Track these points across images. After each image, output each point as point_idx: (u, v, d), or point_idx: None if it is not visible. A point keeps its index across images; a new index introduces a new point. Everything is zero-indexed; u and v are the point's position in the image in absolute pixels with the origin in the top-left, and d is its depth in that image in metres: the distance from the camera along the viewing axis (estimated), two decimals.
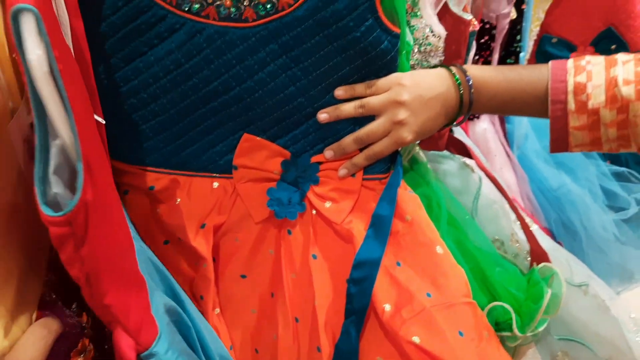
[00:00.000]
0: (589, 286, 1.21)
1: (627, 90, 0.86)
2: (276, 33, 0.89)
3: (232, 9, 0.88)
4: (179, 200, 0.98)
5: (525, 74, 0.96)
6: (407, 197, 1.01)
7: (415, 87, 0.95)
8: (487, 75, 0.98)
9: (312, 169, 0.98)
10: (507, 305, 1.02)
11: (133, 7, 0.87)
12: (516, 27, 1.74)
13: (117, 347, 0.72)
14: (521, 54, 1.81)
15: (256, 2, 0.88)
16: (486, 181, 1.34)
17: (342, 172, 0.97)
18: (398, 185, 0.98)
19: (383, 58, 0.94)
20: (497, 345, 0.99)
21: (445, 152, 1.41)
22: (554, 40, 2.00)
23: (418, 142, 1.20)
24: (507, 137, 1.89)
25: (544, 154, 1.89)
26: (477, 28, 1.30)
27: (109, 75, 0.91)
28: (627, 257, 1.80)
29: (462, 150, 1.40)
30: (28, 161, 0.76)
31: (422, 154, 1.28)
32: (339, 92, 0.94)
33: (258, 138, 0.97)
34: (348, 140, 0.96)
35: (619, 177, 1.93)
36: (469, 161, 1.34)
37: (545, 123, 1.93)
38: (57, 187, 0.67)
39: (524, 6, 1.71)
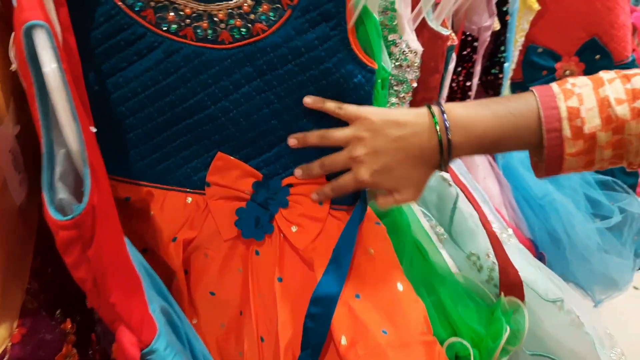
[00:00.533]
0: (564, 302, 1.21)
1: (622, 110, 0.83)
2: (251, 57, 0.90)
3: (209, 31, 0.88)
4: (152, 212, 0.98)
5: (513, 107, 0.88)
6: (373, 230, 1.01)
7: (383, 125, 0.90)
8: (473, 113, 0.90)
9: (282, 192, 0.98)
10: (465, 342, 1.02)
11: (114, 23, 0.88)
12: (500, 37, 1.74)
13: (121, 344, 0.74)
14: (505, 64, 1.82)
15: (232, 25, 0.88)
16: (463, 195, 1.35)
17: (314, 196, 0.97)
18: (360, 220, 0.98)
19: (356, 92, 0.93)
20: None
21: None
22: (540, 50, 2.03)
23: None
24: None
25: (529, 162, 1.90)
26: (456, 42, 1.31)
27: (90, 88, 0.90)
28: (610, 266, 1.82)
29: None
30: (12, 171, 0.78)
31: None
32: (308, 100, 0.91)
33: (231, 157, 0.96)
34: (315, 165, 0.95)
35: (603, 185, 1.95)
36: (446, 175, 1.35)
37: None
38: (62, 193, 0.70)
39: (507, 17, 1.71)
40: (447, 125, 0.89)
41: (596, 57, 1.96)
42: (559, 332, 1.18)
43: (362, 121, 0.90)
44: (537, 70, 2.08)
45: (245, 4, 0.87)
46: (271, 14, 0.87)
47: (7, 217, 0.78)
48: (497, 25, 1.64)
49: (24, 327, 0.75)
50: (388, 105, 1.19)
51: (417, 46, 1.17)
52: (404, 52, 1.15)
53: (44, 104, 0.66)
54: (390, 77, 1.18)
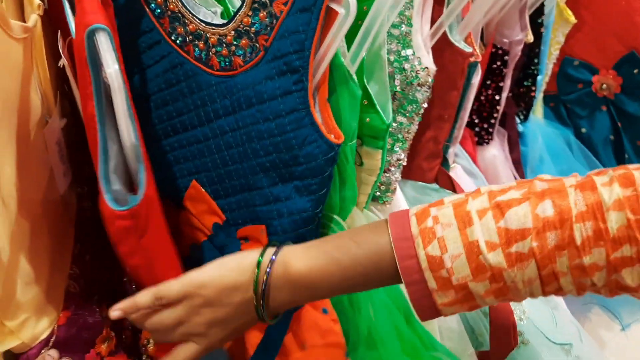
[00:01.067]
0: (572, 346, 1.15)
1: (495, 258, 0.65)
2: (230, 89, 0.86)
3: (203, 53, 0.87)
4: None
5: (362, 256, 0.73)
6: (314, 321, 0.95)
7: (210, 292, 0.75)
8: (312, 268, 0.74)
9: (235, 244, 0.92)
10: None
11: (141, 24, 0.91)
12: (534, 50, 1.70)
13: None
14: (538, 77, 1.79)
15: (219, 53, 0.85)
16: None
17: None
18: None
19: (307, 161, 0.85)
20: None
21: (434, 185, 1.37)
22: (576, 63, 1.98)
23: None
24: (522, 160, 1.85)
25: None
26: (480, 58, 1.24)
27: None
28: None
29: (452, 184, 1.36)
30: (58, 162, 0.84)
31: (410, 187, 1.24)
32: (114, 313, 0.76)
33: (202, 190, 0.95)
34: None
35: None
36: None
37: (561, 147, 1.89)
38: (116, 185, 0.77)
39: (542, 30, 1.67)
40: (264, 289, 0.74)
41: (634, 71, 1.89)
42: None
43: (190, 299, 0.76)
44: (572, 83, 2.02)
45: (229, 34, 0.83)
46: (248, 50, 0.83)
47: (53, 205, 0.85)
48: (530, 38, 1.59)
49: (68, 310, 0.80)
50: (395, 125, 1.13)
51: (430, 64, 1.10)
52: (416, 70, 1.09)
53: (100, 103, 0.73)
54: (398, 94, 1.11)
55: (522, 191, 0.66)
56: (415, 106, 1.12)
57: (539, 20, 1.65)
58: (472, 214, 0.67)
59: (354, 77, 0.90)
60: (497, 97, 1.59)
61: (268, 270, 0.74)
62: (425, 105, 1.13)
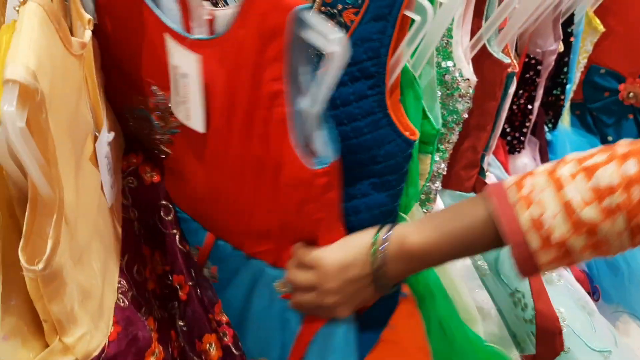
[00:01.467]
0: (612, 353, 1.16)
1: (589, 213, 0.73)
2: None
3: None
4: None
5: (469, 223, 0.83)
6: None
7: (336, 269, 0.88)
8: (424, 241, 0.85)
9: None
10: None
11: None
12: (563, 59, 1.70)
13: None
14: (567, 86, 1.79)
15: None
16: None
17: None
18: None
19: (386, 160, 0.91)
20: None
21: (472, 194, 1.38)
22: (602, 71, 2.00)
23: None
24: None
25: None
26: (517, 69, 1.26)
27: None
28: None
29: None
30: (107, 175, 0.85)
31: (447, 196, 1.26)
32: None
33: None
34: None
35: None
36: None
37: None
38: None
39: (572, 39, 1.67)
40: (383, 255, 0.86)
41: None
42: None
43: (321, 270, 0.88)
44: (599, 91, 2.04)
45: None
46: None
47: (103, 218, 0.85)
48: (560, 47, 1.59)
49: (118, 325, 0.78)
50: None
51: (470, 76, 1.12)
52: (457, 81, 1.11)
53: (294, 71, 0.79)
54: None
55: (606, 154, 0.75)
56: (455, 117, 1.14)
57: (569, 30, 1.65)
58: (563, 178, 0.75)
59: (418, 80, 0.95)
60: (529, 107, 1.60)
61: (382, 247, 0.85)
62: (466, 115, 1.15)
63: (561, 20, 1.56)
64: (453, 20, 1.08)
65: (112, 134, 0.87)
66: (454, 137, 1.17)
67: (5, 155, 0.56)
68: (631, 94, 1.97)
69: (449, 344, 1.06)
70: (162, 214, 0.96)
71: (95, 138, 0.81)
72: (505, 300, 1.21)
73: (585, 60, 1.90)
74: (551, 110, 1.84)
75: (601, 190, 0.73)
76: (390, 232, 0.86)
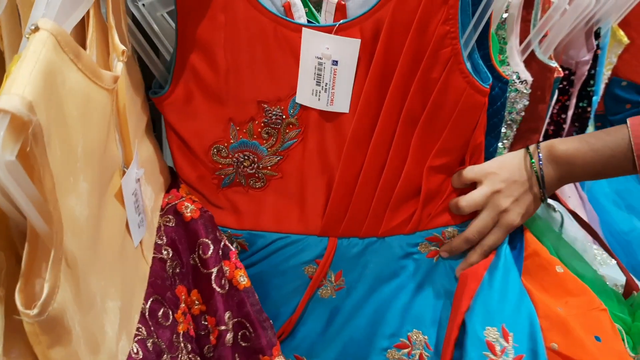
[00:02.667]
0: None
1: None
2: None
3: None
4: None
5: (609, 140, 0.97)
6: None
7: (505, 172, 1.01)
8: (572, 148, 0.99)
9: None
10: (618, 326, 1.04)
11: None
12: (590, 71, 1.74)
13: None
14: (594, 98, 1.81)
15: None
16: (568, 218, 1.35)
17: (444, 254, 1.04)
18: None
19: (493, 103, 1.01)
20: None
21: None
22: (624, 83, 2.02)
23: None
24: None
25: (613, 196, 1.89)
26: (562, 74, 1.33)
27: None
28: None
29: None
30: (134, 213, 0.82)
31: None
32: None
33: None
34: (458, 241, 1.03)
35: None
36: (551, 201, 1.36)
37: None
38: None
39: (598, 51, 1.72)
40: (541, 164, 0.99)
41: None
42: None
43: (492, 176, 1.00)
44: (620, 103, 2.06)
45: None
46: None
47: (127, 258, 0.81)
48: None
49: None
50: None
51: (527, 76, 1.21)
52: (514, 83, 1.18)
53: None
54: None
55: None
56: (514, 115, 1.22)
57: (596, 42, 1.69)
58: None
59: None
60: (562, 116, 1.66)
61: (537, 152, 1.00)
62: (524, 113, 1.22)
63: None
64: (506, 26, 1.16)
65: (142, 170, 0.85)
66: (512, 134, 1.25)
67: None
68: None
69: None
70: (200, 252, 0.96)
71: (123, 174, 0.78)
72: None
73: (610, 72, 1.94)
74: (577, 122, 1.86)
75: None
76: (539, 144, 0.99)
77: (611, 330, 0.99)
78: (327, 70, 0.93)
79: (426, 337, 1.03)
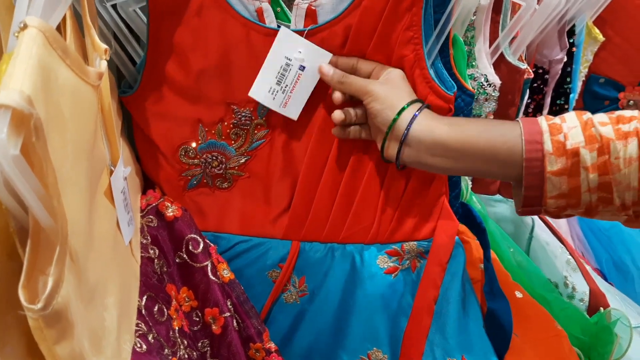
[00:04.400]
0: None
1: (606, 130, 0.79)
2: None
3: None
4: None
5: (495, 123, 0.94)
6: (477, 246, 1.06)
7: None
8: (452, 121, 0.92)
9: None
10: (577, 350, 1.04)
11: None
12: (566, 69, 1.74)
13: None
14: (571, 95, 1.81)
15: None
16: (539, 224, 1.36)
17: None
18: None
19: (456, 115, 0.99)
20: None
21: (498, 196, 1.44)
22: (602, 80, 2.02)
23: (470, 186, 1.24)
24: None
25: None
26: (532, 76, 1.33)
27: None
28: None
29: None
30: (123, 211, 0.82)
31: (476, 200, 1.31)
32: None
33: None
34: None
35: None
36: None
37: None
38: None
39: (574, 49, 1.72)
40: (408, 129, 0.90)
41: None
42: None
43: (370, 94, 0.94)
44: (599, 100, 2.06)
45: None
46: None
47: (120, 256, 0.81)
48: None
49: None
50: None
51: (495, 79, 1.20)
52: (483, 86, 1.18)
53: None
54: None
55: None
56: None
57: (571, 40, 1.68)
58: (588, 113, 0.83)
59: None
60: (538, 115, 1.66)
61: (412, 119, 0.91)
62: (492, 117, 1.22)
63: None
64: (474, 29, 1.16)
65: (128, 169, 0.86)
66: None
67: (1, 187, 0.49)
68: (631, 102, 1.99)
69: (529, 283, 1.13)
70: (190, 247, 0.96)
71: (111, 172, 0.78)
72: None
73: (587, 70, 1.95)
74: None
75: (620, 118, 0.80)
76: (421, 112, 0.91)
77: (568, 357, 0.99)
78: (291, 73, 0.94)
79: (386, 356, 1.03)
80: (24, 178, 0.47)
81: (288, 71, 0.94)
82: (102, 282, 0.71)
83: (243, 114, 0.96)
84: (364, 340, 1.03)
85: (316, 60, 0.93)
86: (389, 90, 0.92)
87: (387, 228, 1.03)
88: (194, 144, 0.98)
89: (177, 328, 0.91)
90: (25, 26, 0.53)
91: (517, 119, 0.88)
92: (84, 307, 0.62)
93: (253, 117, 0.97)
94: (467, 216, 1.09)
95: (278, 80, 0.94)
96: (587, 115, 0.83)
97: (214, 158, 0.99)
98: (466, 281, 1.03)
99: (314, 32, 0.93)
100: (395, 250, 1.03)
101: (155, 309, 0.88)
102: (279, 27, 0.94)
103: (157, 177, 1.02)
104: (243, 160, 1.00)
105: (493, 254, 1.08)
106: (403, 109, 0.90)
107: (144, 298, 0.86)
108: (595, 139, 0.79)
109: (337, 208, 1.01)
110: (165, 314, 0.90)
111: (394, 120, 0.91)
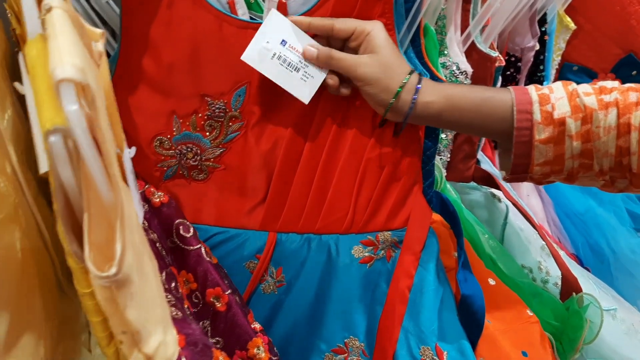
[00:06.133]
0: (617, 310, 1.24)
1: (590, 100, 0.85)
2: None
3: None
4: None
5: (489, 89, 0.95)
6: (451, 235, 1.07)
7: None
8: (450, 84, 0.96)
9: None
10: (549, 335, 1.06)
11: None
12: (539, 57, 1.76)
13: None
14: (544, 83, 1.83)
15: None
16: (513, 210, 1.38)
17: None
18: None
19: None
20: None
21: (472, 184, 1.45)
22: (575, 68, 2.05)
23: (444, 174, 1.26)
24: None
25: None
26: (504, 64, 1.34)
27: None
28: None
29: (489, 180, 1.42)
30: (135, 191, 0.82)
31: (451, 189, 1.33)
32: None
33: None
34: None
35: None
36: (496, 192, 1.38)
37: None
38: None
39: (546, 37, 1.74)
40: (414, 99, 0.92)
41: (633, 73, 1.98)
42: (615, 340, 1.20)
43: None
44: None
45: None
46: None
47: (141, 233, 0.82)
48: (536, 45, 1.67)
49: (181, 334, 0.76)
50: None
51: (467, 67, 1.21)
52: (455, 74, 1.20)
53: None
54: None
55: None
56: None
57: (542, 28, 1.70)
58: (573, 83, 0.88)
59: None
60: None
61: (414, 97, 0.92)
62: None
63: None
64: (445, 17, 1.18)
65: (134, 149, 0.83)
66: None
67: (64, 161, 0.49)
68: None
69: (500, 271, 1.14)
70: (181, 231, 0.96)
71: (118, 154, 0.77)
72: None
73: (560, 58, 1.97)
74: None
75: (602, 89, 0.86)
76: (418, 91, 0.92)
77: (540, 344, 1.01)
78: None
79: (362, 344, 1.04)
80: (90, 151, 0.48)
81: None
82: (142, 252, 0.71)
83: (217, 106, 0.96)
84: (341, 329, 1.04)
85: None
86: (380, 71, 0.91)
87: (361, 218, 1.03)
88: (168, 135, 0.98)
89: (186, 306, 0.91)
90: (50, 8, 0.54)
91: (509, 87, 0.92)
92: (139, 274, 0.63)
93: (227, 110, 0.97)
94: (441, 205, 1.10)
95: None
96: (573, 86, 0.88)
97: (189, 149, 0.99)
98: (440, 270, 1.04)
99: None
100: (370, 240, 1.04)
101: (173, 285, 0.89)
102: (252, 19, 0.94)
103: (135, 167, 1.02)
104: (218, 152, 1.00)
105: (466, 242, 1.10)
106: (398, 91, 0.92)
107: (163, 274, 0.88)
108: (579, 109, 0.85)
109: (312, 199, 1.02)
110: (180, 291, 0.91)
111: (390, 104, 0.92)
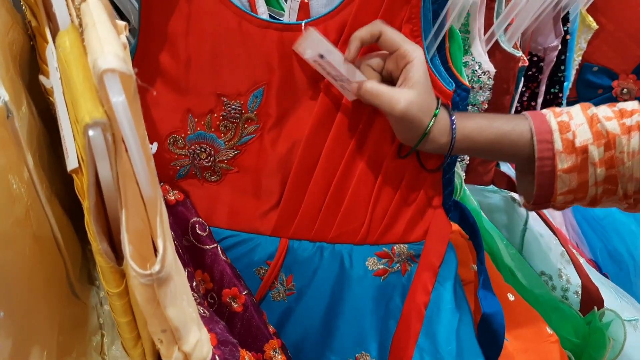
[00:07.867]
0: (639, 321, 1.21)
1: (611, 125, 0.83)
2: None
3: None
4: None
5: (509, 119, 0.91)
6: (470, 246, 1.04)
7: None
8: (473, 121, 0.92)
9: None
10: (569, 354, 1.03)
11: None
12: (560, 57, 1.73)
13: None
14: (565, 83, 1.80)
15: None
16: (533, 215, 1.35)
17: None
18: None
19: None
20: None
21: (491, 187, 1.42)
22: (595, 68, 2.01)
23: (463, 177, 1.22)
24: None
25: None
26: (527, 64, 1.32)
27: None
28: None
29: (509, 184, 1.40)
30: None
31: (470, 196, 1.30)
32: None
33: None
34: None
35: None
36: (516, 195, 1.35)
37: None
38: None
39: (568, 37, 1.71)
40: (454, 127, 0.90)
41: None
42: (636, 352, 1.17)
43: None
44: (593, 89, 2.05)
45: None
46: None
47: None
48: None
49: (212, 332, 0.76)
50: None
51: (489, 67, 1.18)
52: (477, 74, 1.16)
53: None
54: None
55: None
56: (476, 108, 1.19)
57: (565, 28, 1.68)
58: (589, 104, 0.86)
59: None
60: (532, 103, 1.65)
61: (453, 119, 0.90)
62: (486, 106, 1.21)
63: None
64: (469, 15, 1.14)
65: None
66: None
67: (104, 156, 0.48)
68: (625, 90, 1.99)
69: (520, 283, 1.11)
70: (197, 230, 0.96)
71: None
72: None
73: (580, 58, 1.94)
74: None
75: (623, 112, 0.84)
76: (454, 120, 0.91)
77: None
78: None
79: (374, 359, 1.02)
80: (136, 145, 0.47)
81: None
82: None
83: (233, 106, 0.94)
84: (352, 343, 1.02)
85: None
86: (416, 110, 0.88)
87: (377, 229, 1.00)
88: (183, 134, 0.96)
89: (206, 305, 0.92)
90: None
91: (524, 113, 0.89)
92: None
93: (243, 111, 0.94)
94: (460, 215, 1.07)
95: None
96: (592, 110, 0.86)
97: (202, 150, 0.97)
98: (458, 286, 1.01)
99: (307, 25, 0.89)
100: (385, 252, 1.01)
101: (194, 284, 0.89)
102: (273, 18, 0.92)
103: None
104: (232, 154, 0.97)
105: (486, 255, 1.06)
106: (425, 134, 0.90)
107: (185, 272, 0.85)
108: (602, 135, 0.83)
109: (327, 207, 0.99)
110: (200, 290, 0.91)
111: (418, 142, 0.91)
